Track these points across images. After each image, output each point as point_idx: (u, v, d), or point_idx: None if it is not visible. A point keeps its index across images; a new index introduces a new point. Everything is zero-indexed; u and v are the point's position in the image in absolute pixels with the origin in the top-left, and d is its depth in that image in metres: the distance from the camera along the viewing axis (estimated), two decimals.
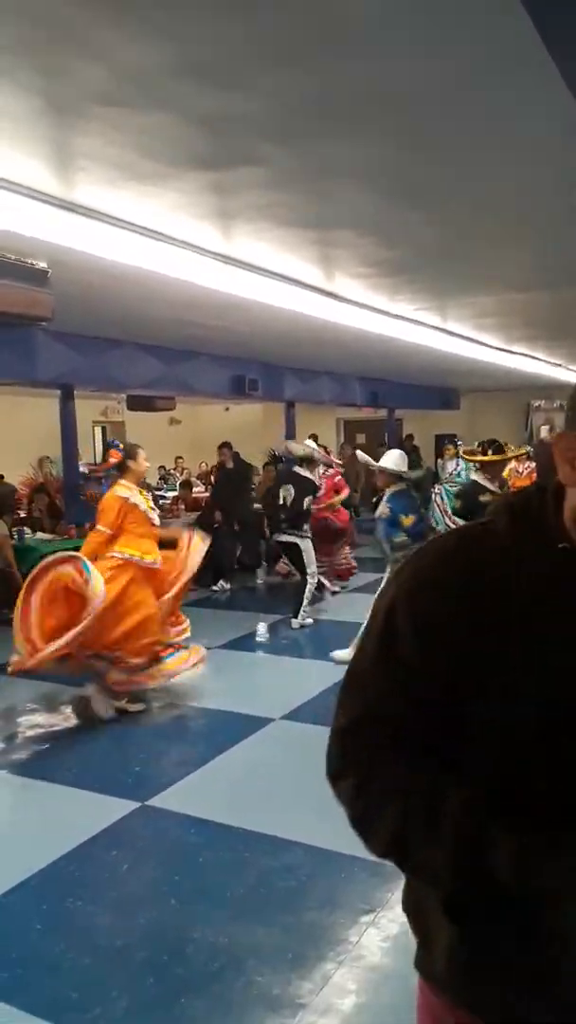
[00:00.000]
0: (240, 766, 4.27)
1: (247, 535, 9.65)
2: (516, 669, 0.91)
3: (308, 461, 7.50)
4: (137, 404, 11.77)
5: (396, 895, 2.98)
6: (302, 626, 7.33)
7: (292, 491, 7.24)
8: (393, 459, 5.80)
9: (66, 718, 5.11)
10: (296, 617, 7.36)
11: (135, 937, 2.82)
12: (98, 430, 17.02)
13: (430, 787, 0.98)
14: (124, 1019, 2.42)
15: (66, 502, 8.99)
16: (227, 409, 17.42)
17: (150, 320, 7.01)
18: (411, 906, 1.14)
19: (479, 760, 0.95)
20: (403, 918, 2.91)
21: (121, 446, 5.43)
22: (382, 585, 5.08)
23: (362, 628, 1.10)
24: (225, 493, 9.34)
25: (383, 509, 5.67)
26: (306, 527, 7.36)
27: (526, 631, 0.92)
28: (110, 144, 3.01)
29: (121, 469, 5.30)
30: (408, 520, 5.52)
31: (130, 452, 5.35)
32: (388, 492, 5.72)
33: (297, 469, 7.49)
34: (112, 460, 5.34)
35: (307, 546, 7.32)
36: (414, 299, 6.47)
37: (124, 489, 5.20)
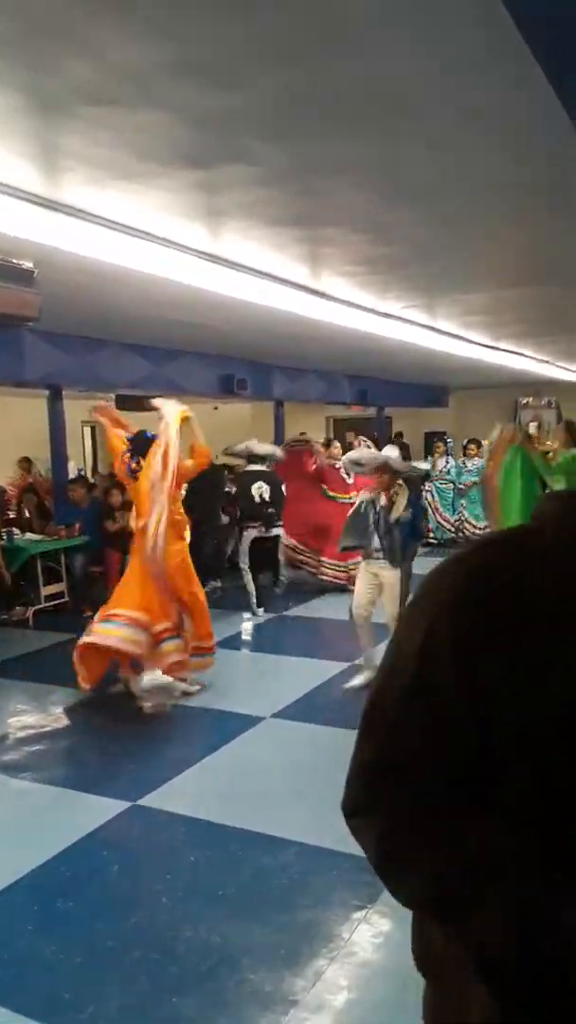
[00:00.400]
0: (231, 765, 4.28)
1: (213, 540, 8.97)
2: (536, 666, 0.88)
3: (267, 459, 7.89)
4: (126, 404, 11.75)
5: (388, 892, 2.98)
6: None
7: (267, 487, 7.42)
8: (397, 456, 5.47)
9: (56, 719, 5.10)
10: (278, 580, 8.05)
11: (128, 936, 2.82)
12: (87, 430, 16.96)
13: (478, 834, 0.89)
14: (117, 1019, 2.43)
15: (55, 503, 8.95)
16: (216, 408, 17.39)
17: (138, 320, 6.99)
18: (431, 960, 1.03)
19: (508, 781, 0.90)
20: (394, 914, 2.92)
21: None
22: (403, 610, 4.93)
23: (386, 653, 1.02)
24: (201, 496, 8.59)
25: (403, 513, 5.22)
26: None
27: (551, 630, 0.89)
28: (97, 143, 3.00)
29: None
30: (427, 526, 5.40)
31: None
32: (404, 495, 5.28)
33: (257, 467, 7.77)
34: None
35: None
36: (402, 297, 6.48)
37: None
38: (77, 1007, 2.47)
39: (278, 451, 8.24)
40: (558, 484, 6.08)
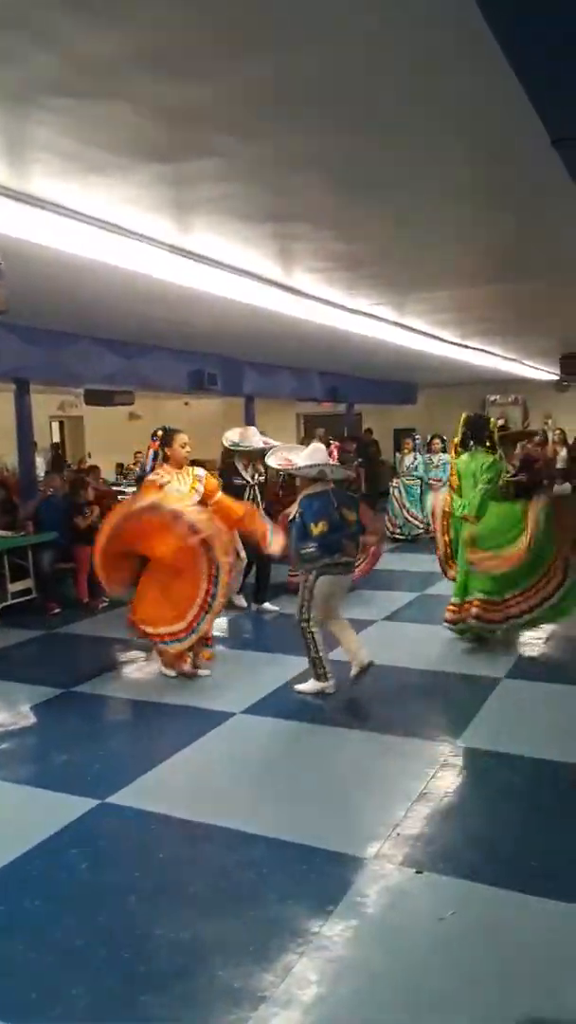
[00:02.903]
0: (201, 761, 4.26)
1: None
2: None
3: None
4: (95, 398, 11.64)
5: (356, 886, 3.00)
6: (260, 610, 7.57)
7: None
8: (308, 455, 5.19)
9: (23, 717, 5.04)
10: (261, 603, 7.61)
11: (96, 936, 2.80)
12: (55, 425, 16.79)
13: None
14: (86, 1018, 2.41)
15: (22, 498, 8.83)
16: (187, 404, 17.32)
17: (107, 313, 6.93)
18: None
19: None
20: (364, 908, 2.95)
21: (160, 434, 5.61)
22: None
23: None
24: None
25: (294, 512, 5.10)
26: None
27: None
28: (63, 135, 2.97)
29: (164, 455, 5.56)
30: (317, 528, 4.91)
31: (166, 439, 5.54)
32: (301, 495, 5.12)
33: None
34: (153, 449, 5.61)
35: None
36: (371, 294, 6.51)
37: (161, 474, 5.47)
38: (44, 1007, 2.45)
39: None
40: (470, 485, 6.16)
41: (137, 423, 16.93)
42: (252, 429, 7.83)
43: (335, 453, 8.70)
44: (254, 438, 7.53)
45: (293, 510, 5.12)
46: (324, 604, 5.10)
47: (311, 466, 5.09)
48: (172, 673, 5.53)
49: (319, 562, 4.98)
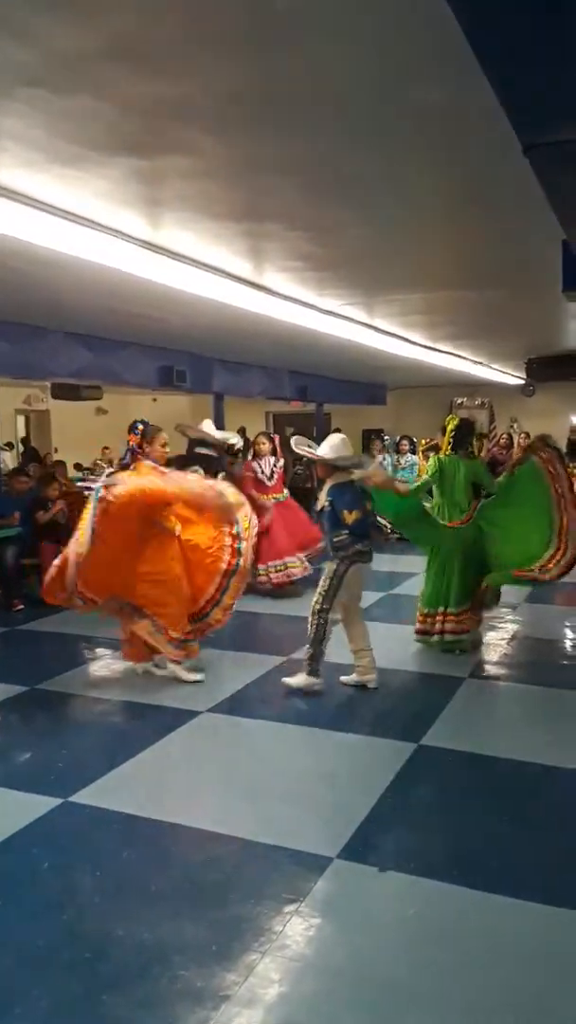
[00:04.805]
0: (166, 760, 4.25)
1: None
2: None
3: (204, 444, 7.54)
4: (62, 393, 11.49)
5: (320, 885, 3.01)
6: None
7: (200, 472, 7.25)
8: (332, 445, 5.26)
9: None
10: None
11: (57, 936, 2.77)
12: (20, 419, 16.56)
13: None
14: (46, 1019, 2.38)
15: None
16: (155, 400, 17.20)
17: (76, 308, 6.86)
18: None
19: None
20: (326, 907, 2.96)
21: (140, 429, 5.59)
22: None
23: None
24: None
25: (323, 503, 5.26)
26: None
27: None
28: (34, 125, 2.93)
29: (141, 450, 5.52)
30: (351, 516, 5.03)
31: (147, 435, 5.54)
32: (328, 484, 5.24)
33: (201, 450, 7.49)
34: (131, 443, 5.60)
35: None
36: (341, 294, 6.53)
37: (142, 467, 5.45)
38: (4, 1008, 2.42)
39: (211, 437, 7.92)
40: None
41: (104, 418, 16.76)
42: (208, 422, 7.95)
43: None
44: (215, 431, 7.66)
45: (322, 501, 5.26)
46: (348, 593, 5.17)
47: (349, 456, 5.27)
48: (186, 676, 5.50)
49: (351, 549, 5.08)
